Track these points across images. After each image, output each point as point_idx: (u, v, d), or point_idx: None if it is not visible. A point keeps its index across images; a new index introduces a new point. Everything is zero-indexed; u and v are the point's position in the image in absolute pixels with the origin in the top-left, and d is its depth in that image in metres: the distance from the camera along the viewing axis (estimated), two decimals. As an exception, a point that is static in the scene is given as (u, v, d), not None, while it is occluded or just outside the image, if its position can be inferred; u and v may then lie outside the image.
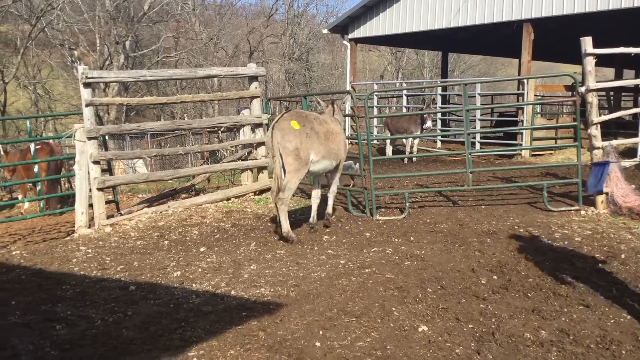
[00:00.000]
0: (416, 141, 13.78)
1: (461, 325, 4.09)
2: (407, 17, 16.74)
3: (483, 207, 7.96)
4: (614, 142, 7.27)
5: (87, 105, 7.82)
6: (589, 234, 6.31)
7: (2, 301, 4.84)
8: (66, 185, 12.99)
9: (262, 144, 9.37)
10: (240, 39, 36.69)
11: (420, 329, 4.02)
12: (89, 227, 7.78)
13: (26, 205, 11.54)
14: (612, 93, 16.97)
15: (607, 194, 7.21)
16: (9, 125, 28.59)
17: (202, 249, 6.38)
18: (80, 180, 7.82)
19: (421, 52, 41.25)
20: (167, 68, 27.26)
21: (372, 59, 44.98)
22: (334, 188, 7.28)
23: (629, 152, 11.72)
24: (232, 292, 4.90)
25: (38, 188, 10.80)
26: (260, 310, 4.43)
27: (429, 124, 12.48)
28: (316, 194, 7.19)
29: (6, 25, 29.05)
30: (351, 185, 9.19)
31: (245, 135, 9.42)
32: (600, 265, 5.29)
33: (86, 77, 7.72)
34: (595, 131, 7.26)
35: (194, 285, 5.15)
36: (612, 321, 4.10)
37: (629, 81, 16.41)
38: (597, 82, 7.32)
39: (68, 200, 10.79)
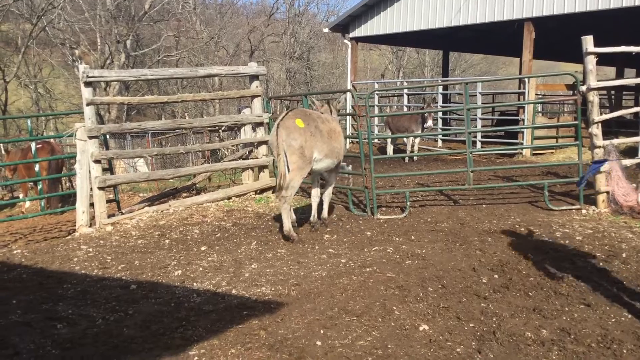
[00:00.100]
0: (417, 140, 13.78)
1: (462, 324, 4.09)
2: (408, 16, 16.72)
3: (484, 206, 7.96)
4: (615, 141, 7.26)
5: (88, 104, 7.82)
6: (590, 233, 6.30)
7: (3, 300, 4.85)
8: (67, 185, 13.00)
9: (263, 143, 9.38)
10: (241, 38, 36.68)
11: (421, 328, 4.02)
12: (90, 226, 7.79)
13: (27, 204, 11.55)
14: (613, 92, 16.95)
15: (608, 192, 7.21)
16: (10, 124, 28.61)
17: (203, 248, 6.38)
18: (81, 179, 7.82)
19: (422, 51, 41.21)
20: (168, 67, 27.26)
21: (373, 58, 44.95)
22: (330, 191, 7.27)
23: (630, 151, 11.70)
24: (233, 291, 4.90)
25: (39, 187, 10.82)
26: (261, 309, 4.43)
27: (429, 123, 12.47)
28: (316, 192, 7.19)
29: (7, 25, 29.03)
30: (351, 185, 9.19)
31: (246, 134, 9.42)
32: (601, 264, 5.28)
33: (87, 76, 7.72)
34: (597, 130, 7.25)
35: (195, 284, 5.15)
36: (613, 320, 4.10)
37: (630, 80, 16.40)
38: (598, 80, 7.31)
39: (69, 199, 10.81)
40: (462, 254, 5.73)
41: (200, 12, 34.60)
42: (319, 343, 3.81)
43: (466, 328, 4.03)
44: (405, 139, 13.60)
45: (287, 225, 6.45)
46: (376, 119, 16.81)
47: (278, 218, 7.65)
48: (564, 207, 7.57)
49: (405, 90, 18.17)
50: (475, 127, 14.78)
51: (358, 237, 6.61)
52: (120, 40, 26.90)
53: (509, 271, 5.17)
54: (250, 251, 6.19)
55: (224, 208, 8.46)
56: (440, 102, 16.41)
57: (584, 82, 7.42)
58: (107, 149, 9.53)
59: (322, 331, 3.99)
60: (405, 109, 17.24)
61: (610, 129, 12.88)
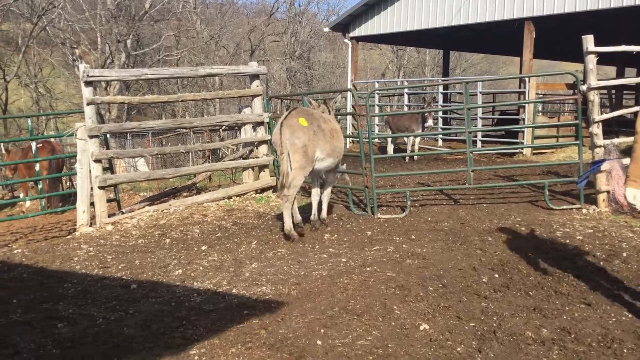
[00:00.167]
0: (417, 139, 13.77)
1: (462, 323, 4.09)
2: (409, 16, 16.72)
3: (484, 205, 7.95)
4: (616, 141, 7.25)
5: (88, 104, 7.82)
6: (591, 233, 6.30)
7: (4, 299, 4.86)
8: (67, 184, 13.00)
9: (264, 142, 9.38)
10: (241, 37, 36.66)
11: (421, 328, 4.02)
12: (91, 226, 7.79)
13: (28, 203, 11.55)
14: (613, 91, 16.95)
15: (608, 192, 7.20)
16: (11, 124, 28.62)
17: (203, 248, 6.39)
18: (82, 179, 7.83)
19: (422, 51, 41.17)
20: (169, 66, 27.24)
21: (374, 58, 44.92)
22: (329, 190, 7.29)
23: (631, 151, 11.70)
24: (234, 291, 4.90)
25: (39, 186, 10.83)
26: (262, 308, 4.44)
27: (430, 122, 12.46)
28: (316, 191, 7.20)
29: (7, 24, 29.02)
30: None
31: (247, 134, 9.42)
32: (601, 263, 5.28)
33: (87, 75, 7.73)
34: (597, 129, 7.25)
35: (195, 283, 5.15)
36: (614, 320, 4.09)
37: (630, 79, 16.39)
38: (598, 80, 7.30)
39: (69, 198, 10.81)
40: (462, 254, 5.72)
41: (201, 12, 34.59)
42: (319, 342, 3.81)
43: (466, 327, 4.03)
44: (405, 139, 13.59)
45: (288, 224, 6.46)
46: (377, 118, 16.81)
47: (278, 217, 7.65)
48: (565, 207, 7.56)
49: (406, 90, 18.17)
50: (476, 126, 14.77)
51: (358, 236, 6.61)
52: (121, 40, 26.89)
53: (509, 270, 5.17)
54: (251, 250, 6.19)
55: (225, 207, 8.46)
56: (440, 102, 16.40)
57: (584, 81, 7.41)
58: (108, 148, 9.54)
59: (322, 330, 3.99)
60: (405, 108, 17.24)
61: (611, 128, 12.87)
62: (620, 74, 20.99)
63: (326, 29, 21.68)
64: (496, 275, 5.08)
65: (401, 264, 5.44)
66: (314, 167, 6.56)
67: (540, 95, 17.27)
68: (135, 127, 9.00)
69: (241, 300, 4.64)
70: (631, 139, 9.55)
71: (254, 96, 9.36)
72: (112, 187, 8.80)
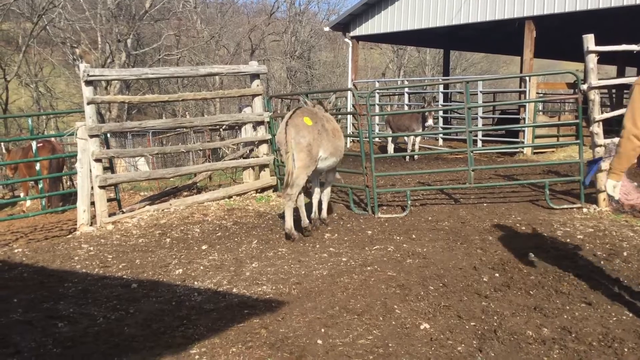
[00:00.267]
0: (418, 139, 13.76)
1: (463, 323, 4.09)
2: (409, 15, 16.71)
3: (485, 204, 7.95)
4: (616, 140, 7.24)
5: (88, 103, 7.82)
6: (591, 232, 6.30)
7: (5, 299, 4.86)
8: (68, 183, 13.02)
9: (264, 141, 9.38)
10: (241, 36, 36.63)
11: (422, 327, 4.02)
12: (91, 225, 7.80)
13: (28, 203, 11.56)
14: (614, 90, 16.92)
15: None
16: (11, 123, 28.61)
17: (203, 247, 6.39)
18: (82, 178, 7.83)
19: (423, 50, 41.16)
20: (169, 66, 27.23)
21: (374, 57, 44.90)
22: (329, 190, 7.30)
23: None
24: (234, 290, 4.90)
25: (40, 186, 10.83)
26: (262, 308, 4.44)
27: (430, 122, 12.45)
28: (316, 191, 7.21)
29: (8, 24, 29.01)
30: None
31: (247, 133, 9.42)
32: (602, 262, 5.28)
33: (88, 75, 7.73)
34: (598, 129, 7.24)
35: (195, 283, 5.15)
36: (615, 319, 4.09)
37: (631, 79, 16.33)
38: (599, 79, 7.30)
39: (70, 198, 10.82)
40: (463, 253, 5.72)
41: (201, 11, 34.56)
42: (319, 342, 3.81)
43: (467, 327, 4.03)
44: (406, 138, 13.59)
45: (289, 223, 6.46)
46: (377, 117, 16.80)
47: (279, 217, 7.66)
48: (565, 206, 7.56)
49: (406, 89, 18.16)
50: (476, 125, 14.77)
51: (359, 235, 6.61)
52: (121, 39, 26.88)
53: (509, 270, 5.17)
54: (251, 250, 6.19)
55: (225, 207, 8.47)
56: (441, 101, 16.40)
57: (585, 80, 7.40)
58: (108, 147, 9.55)
59: (323, 330, 3.99)
60: (406, 107, 17.24)
61: (612, 127, 12.86)
62: (620, 73, 21.00)
63: (326, 29, 21.68)
64: (497, 275, 5.08)
65: (402, 263, 5.44)
66: (317, 166, 6.57)
67: (541, 95, 17.25)
68: (135, 127, 9.00)
69: (242, 300, 4.64)
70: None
71: (254, 95, 9.36)
72: (113, 187, 8.80)
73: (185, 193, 9.76)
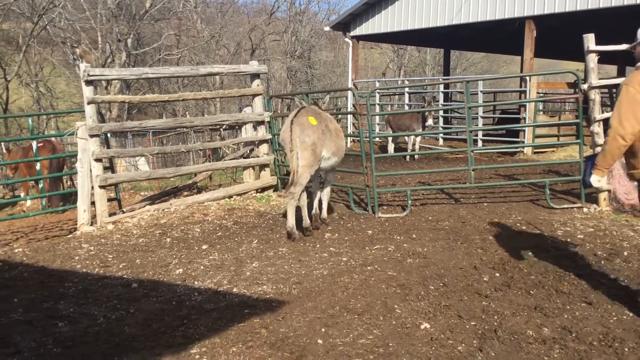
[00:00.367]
0: (418, 139, 13.75)
1: (463, 322, 4.09)
2: (409, 14, 16.70)
3: (485, 204, 7.95)
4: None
5: (89, 103, 7.82)
6: (592, 232, 6.30)
7: (5, 298, 4.86)
8: (68, 183, 13.01)
9: (264, 141, 9.38)
10: (242, 36, 36.62)
11: (422, 327, 4.02)
12: (91, 225, 7.80)
13: (28, 203, 11.56)
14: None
15: (609, 191, 7.19)
16: (12, 123, 28.62)
17: (204, 247, 6.39)
18: (83, 178, 7.83)
19: (423, 50, 41.15)
20: (169, 66, 27.24)
21: (374, 57, 44.89)
22: (328, 189, 7.30)
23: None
24: (234, 290, 4.90)
25: (40, 186, 10.83)
26: (263, 307, 4.44)
27: (430, 122, 12.45)
28: (317, 190, 7.22)
29: (8, 23, 29.00)
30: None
31: (247, 133, 9.42)
32: (602, 262, 5.28)
33: (88, 74, 7.73)
34: (598, 128, 7.24)
35: (196, 282, 5.15)
36: (615, 319, 4.09)
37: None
38: (599, 79, 7.30)
39: (70, 198, 10.82)
40: (463, 253, 5.72)
41: (201, 11, 34.55)
42: (320, 341, 3.81)
43: (467, 326, 4.03)
44: (406, 138, 13.59)
45: (291, 222, 6.47)
46: (377, 117, 16.80)
47: (279, 216, 7.66)
48: (566, 206, 7.56)
49: (407, 89, 18.16)
50: (477, 125, 14.76)
51: (359, 235, 6.61)
52: (121, 39, 26.87)
53: (510, 269, 5.17)
54: (252, 250, 6.19)
55: (225, 207, 8.47)
56: (441, 101, 16.40)
57: (585, 80, 7.40)
58: (108, 147, 9.54)
59: (323, 329, 3.99)
60: (406, 107, 17.23)
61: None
62: (621, 73, 20.99)
63: (327, 28, 21.66)
64: (497, 274, 5.07)
65: (402, 263, 5.44)
66: (319, 166, 6.59)
67: (541, 94, 17.25)
68: (136, 126, 9.00)
69: (242, 299, 4.64)
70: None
71: (254, 95, 9.35)
72: (113, 187, 8.80)
73: (185, 193, 9.76)
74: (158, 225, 7.56)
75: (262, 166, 9.44)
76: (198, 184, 10.32)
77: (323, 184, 7.26)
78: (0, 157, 13.87)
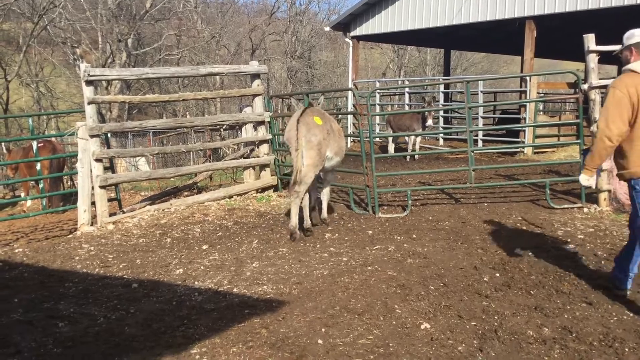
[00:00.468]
0: (418, 139, 13.74)
1: (464, 322, 4.09)
2: (410, 15, 16.70)
3: (485, 204, 7.95)
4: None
5: (89, 103, 7.83)
6: (592, 232, 6.30)
7: (5, 298, 4.86)
8: (68, 183, 13.01)
9: (265, 141, 9.38)
10: (242, 36, 36.62)
11: (422, 327, 4.02)
12: (92, 225, 7.80)
13: (29, 203, 11.56)
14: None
15: (609, 191, 7.20)
16: (12, 123, 28.63)
17: (204, 247, 6.39)
18: (83, 178, 7.83)
19: (423, 50, 41.15)
20: (169, 66, 27.23)
21: (374, 57, 44.90)
22: (328, 189, 7.32)
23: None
24: (235, 290, 4.90)
25: (40, 186, 10.83)
26: (263, 307, 4.44)
27: (430, 122, 12.45)
28: (317, 190, 7.23)
29: (9, 23, 29.01)
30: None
31: (248, 133, 9.42)
32: (603, 262, 5.27)
33: (88, 75, 7.73)
34: (598, 128, 7.23)
35: (196, 282, 5.15)
36: (615, 319, 4.09)
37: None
38: (599, 79, 7.30)
39: (70, 198, 10.82)
40: (463, 253, 5.72)
41: (202, 11, 34.55)
42: (320, 341, 3.81)
43: (468, 326, 4.02)
44: (406, 138, 13.59)
45: (294, 221, 6.48)
46: (377, 117, 16.80)
47: (279, 217, 7.66)
48: (566, 206, 7.56)
49: (407, 89, 18.16)
50: (477, 125, 14.76)
51: (359, 235, 6.61)
52: (122, 39, 26.88)
53: (510, 270, 5.17)
54: (252, 250, 6.19)
55: (226, 207, 8.47)
56: (441, 101, 16.40)
57: (585, 80, 7.40)
58: (109, 147, 9.54)
59: (323, 330, 3.99)
60: (406, 107, 17.23)
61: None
62: (621, 73, 20.92)
63: (327, 28, 21.66)
64: (497, 274, 5.07)
65: (402, 263, 5.44)
66: (323, 165, 6.60)
67: (542, 95, 17.24)
68: (136, 127, 9.00)
69: (242, 300, 4.64)
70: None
71: (254, 95, 9.35)
72: (113, 187, 8.80)
73: (185, 193, 9.76)
74: (158, 225, 7.56)
75: (263, 166, 9.44)
76: (198, 184, 10.32)
77: (323, 184, 7.27)
78: (1, 157, 13.88)
